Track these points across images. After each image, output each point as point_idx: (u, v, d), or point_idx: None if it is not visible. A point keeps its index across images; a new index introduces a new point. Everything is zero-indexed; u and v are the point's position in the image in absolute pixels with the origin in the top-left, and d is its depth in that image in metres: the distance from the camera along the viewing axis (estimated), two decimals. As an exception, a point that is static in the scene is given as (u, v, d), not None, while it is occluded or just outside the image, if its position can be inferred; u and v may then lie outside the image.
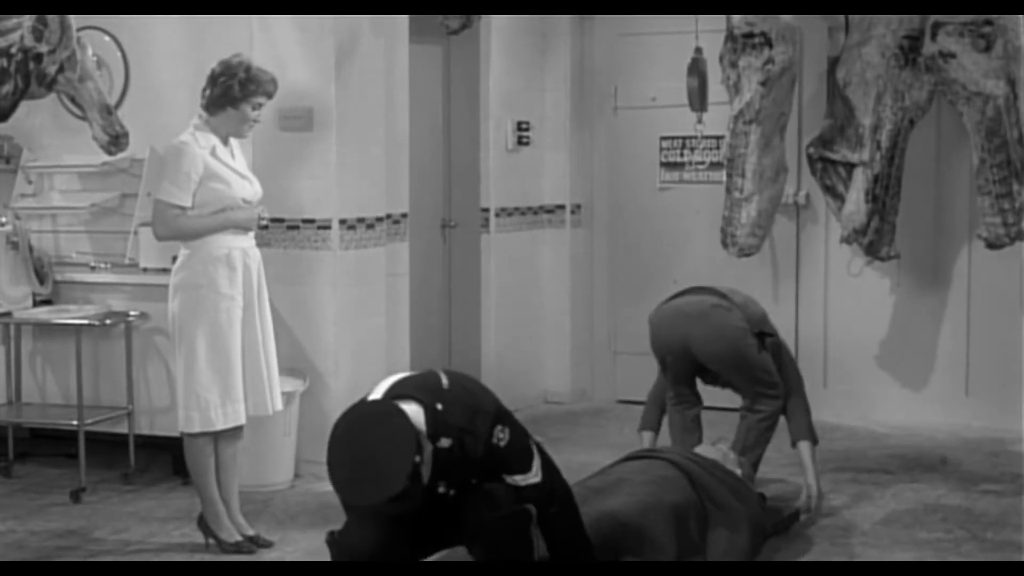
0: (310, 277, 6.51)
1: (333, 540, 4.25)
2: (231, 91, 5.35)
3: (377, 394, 4.08)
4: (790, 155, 6.98)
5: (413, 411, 3.94)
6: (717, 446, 5.70)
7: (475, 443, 4.00)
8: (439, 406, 3.98)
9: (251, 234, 5.47)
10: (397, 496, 3.80)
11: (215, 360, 5.33)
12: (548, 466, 4.23)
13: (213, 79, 5.40)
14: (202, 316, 5.32)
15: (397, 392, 4.05)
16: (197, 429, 5.36)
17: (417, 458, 3.83)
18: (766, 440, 5.87)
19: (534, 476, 4.09)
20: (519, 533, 4.08)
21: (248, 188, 5.46)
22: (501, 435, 4.05)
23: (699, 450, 5.66)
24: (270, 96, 5.47)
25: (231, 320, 5.35)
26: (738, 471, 5.49)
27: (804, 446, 5.83)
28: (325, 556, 4.35)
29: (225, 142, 5.44)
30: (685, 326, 5.88)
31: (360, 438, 3.91)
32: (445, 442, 3.95)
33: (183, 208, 5.32)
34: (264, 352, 5.47)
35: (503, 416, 4.12)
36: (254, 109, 5.41)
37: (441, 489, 4.00)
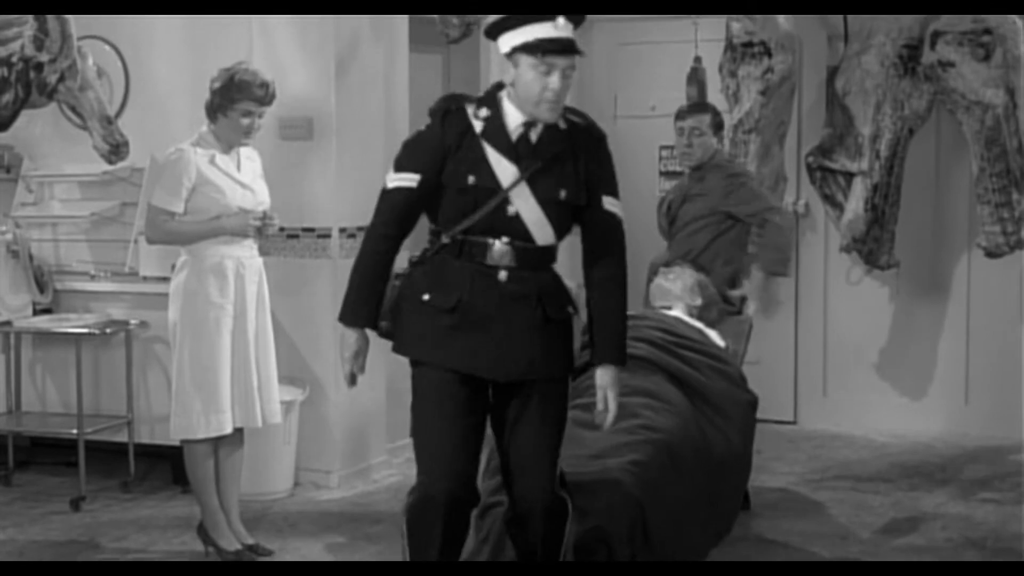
0: (310, 286, 6.51)
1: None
2: (215, 98, 5.35)
3: None
4: (789, 164, 6.99)
5: None
6: (683, 266, 5.91)
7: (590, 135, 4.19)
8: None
9: (250, 243, 5.45)
10: None
11: (200, 368, 5.31)
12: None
13: (209, 87, 5.41)
14: (191, 323, 5.32)
15: None
16: (181, 436, 5.36)
17: None
18: None
19: (619, 210, 4.19)
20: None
21: (248, 198, 5.42)
22: (609, 153, 4.19)
23: (665, 282, 5.96)
24: (260, 102, 5.35)
25: (219, 329, 5.32)
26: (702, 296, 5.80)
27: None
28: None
29: (229, 151, 5.44)
30: None
31: None
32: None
33: (173, 213, 5.33)
34: (257, 363, 5.44)
35: None
36: (244, 116, 5.33)
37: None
